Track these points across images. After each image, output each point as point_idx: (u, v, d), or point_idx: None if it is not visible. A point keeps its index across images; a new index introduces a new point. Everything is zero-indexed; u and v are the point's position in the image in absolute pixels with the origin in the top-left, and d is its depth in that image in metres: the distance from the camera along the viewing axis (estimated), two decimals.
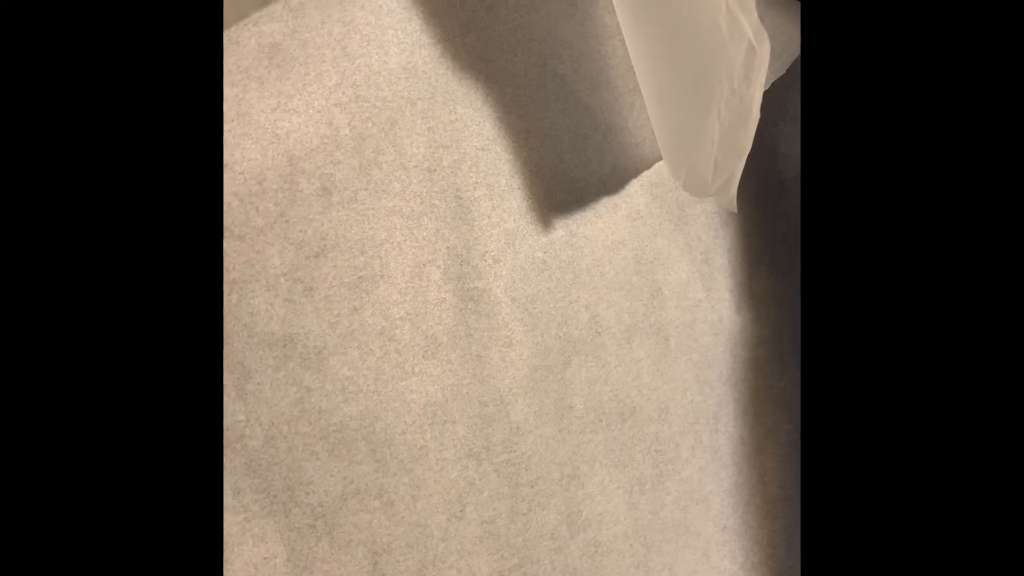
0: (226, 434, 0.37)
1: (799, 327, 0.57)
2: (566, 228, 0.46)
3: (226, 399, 0.37)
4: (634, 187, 0.49)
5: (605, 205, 0.48)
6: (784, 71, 0.51)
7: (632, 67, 0.48)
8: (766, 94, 0.40)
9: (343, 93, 0.40)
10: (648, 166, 0.50)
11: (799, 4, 0.52)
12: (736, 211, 0.42)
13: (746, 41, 0.36)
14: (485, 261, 0.43)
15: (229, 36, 0.36)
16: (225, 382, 0.37)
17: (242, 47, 0.37)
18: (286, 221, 0.38)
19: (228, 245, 0.37)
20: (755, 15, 0.35)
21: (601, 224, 0.48)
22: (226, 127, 0.37)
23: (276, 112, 0.38)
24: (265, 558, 0.37)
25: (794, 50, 0.51)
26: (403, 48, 0.41)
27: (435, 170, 0.42)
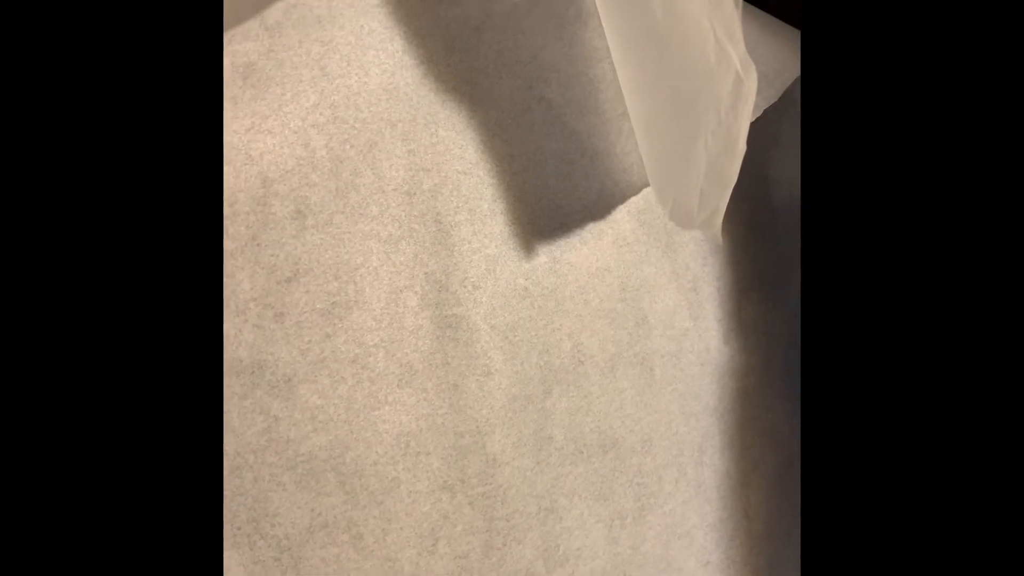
0: None
1: (788, 356, 0.56)
2: (549, 254, 0.45)
3: None
4: (621, 213, 0.48)
5: (591, 231, 0.47)
6: (777, 98, 0.50)
7: (621, 91, 0.48)
8: (758, 120, 0.40)
9: (321, 114, 0.39)
10: (636, 192, 0.49)
11: (793, 30, 0.52)
12: (722, 243, 0.41)
13: (733, 72, 0.35)
14: (465, 287, 0.42)
15: None
16: None
17: None
18: (257, 244, 0.37)
19: None
20: (743, 46, 0.35)
21: (586, 251, 0.47)
22: None
23: (250, 133, 0.37)
24: None
25: (787, 76, 0.50)
26: (384, 69, 0.40)
27: (415, 194, 0.41)
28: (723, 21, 0.34)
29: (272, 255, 0.37)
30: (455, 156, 0.42)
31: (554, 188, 0.46)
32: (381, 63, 0.40)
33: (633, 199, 0.49)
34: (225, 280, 0.36)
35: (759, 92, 0.36)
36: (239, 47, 0.36)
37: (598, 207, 0.48)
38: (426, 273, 0.42)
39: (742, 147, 0.36)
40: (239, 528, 0.36)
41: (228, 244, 0.36)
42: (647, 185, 0.49)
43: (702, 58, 0.37)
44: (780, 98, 0.50)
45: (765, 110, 0.49)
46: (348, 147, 0.39)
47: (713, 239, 0.40)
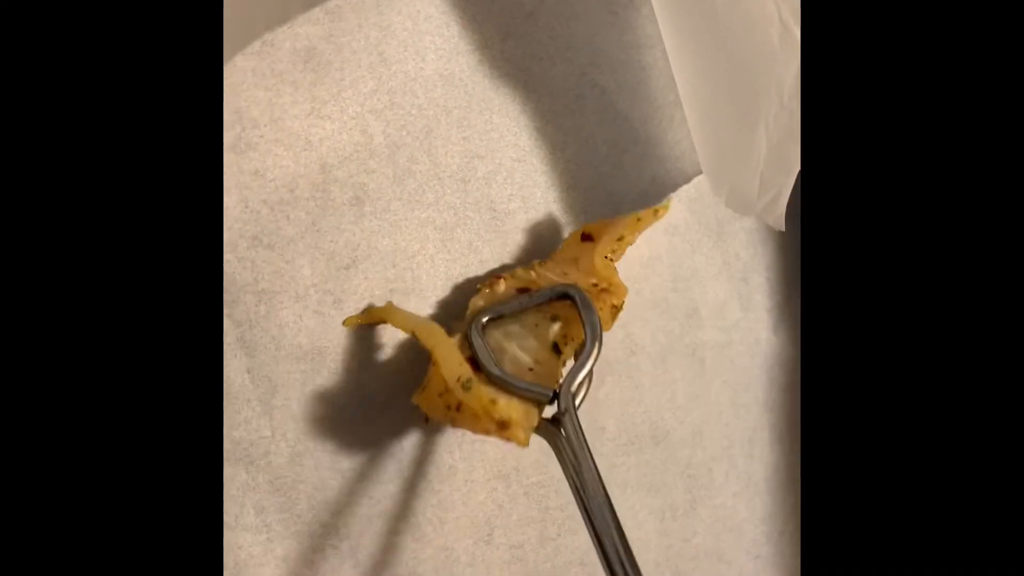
0: (250, 450, 0.35)
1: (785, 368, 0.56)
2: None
3: (251, 414, 0.35)
4: (672, 201, 0.48)
5: None
6: None
7: (673, 79, 0.47)
8: None
9: (378, 100, 0.38)
10: (687, 180, 0.48)
11: None
12: (784, 229, 0.40)
13: (799, 54, 0.34)
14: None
15: (264, 39, 0.35)
16: (251, 396, 0.35)
17: (277, 50, 0.36)
18: (317, 231, 0.37)
19: (257, 255, 0.36)
20: None
21: (638, 239, 0.46)
22: (258, 132, 0.36)
23: (310, 118, 0.37)
24: None
25: None
26: (440, 54, 0.40)
27: (469, 180, 0.41)
28: (790, 3, 0.34)
29: (332, 241, 0.37)
30: (509, 143, 0.42)
31: (606, 175, 0.45)
32: (437, 48, 0.40)
33: (684, 188, 0.48)
34: (286, 267, 0.36)
35: None
36: (300, 30, 0.36)
37: (650, 195, 0.47)
38: (481, 260, 0.41)
39: None
40: (299, 516, 0.36)
41: (289, 230, 0.36)
42: (699, 173, 0.48)
43: (765, 41, 0.37)
44: None
45: None
46: (405, 133, 0.39)
47: (776, 224, 0.40)
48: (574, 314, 0.38)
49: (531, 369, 0.37)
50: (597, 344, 0.38)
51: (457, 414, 0.35)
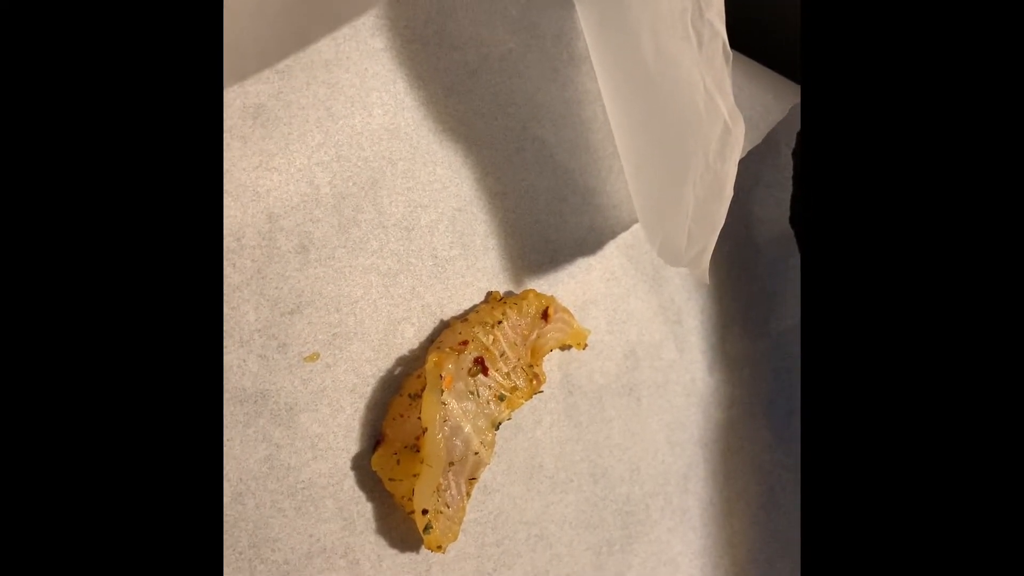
0: None
1: (771, 388, 0.58)
2: (539, 287, 0.47)
3: None
4: (610, 248, 0.50)
5: (579, 266, 0.49)
6: (761, 140, 0.53)
7: (611, 132, 0.49)
8: (742, 161, 0.41)
9: (325, 152, 0.40)
10: (625, 228, 0.51)
11: (776, 76, 0.54)
12: (708, 282, 0.43)
13: (722, 121, 0.37)
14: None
15: None
16: None
17: (228, 107, 0.37)
18: (263, 278, 0.38)
19: None
20: (731, 99, 0.36)
21: (574, 284, 0.49)
22: None
23: (258, 170, 0.38)
24: None
25: (771, 119, 0.53)
26: (387, 109, 0.42)
27: (413, 229, 0.43)
28: (713, 75, 0.36)
29: (276, 288, 0.39)
30: (451, 193, 0.44)
31: (545, 224, 0.48)
32: (384, 104, 0.42)
33: (622, 235, 0.51)
34: (231, 312, 0.38)
35: (745, 135, 0.38)
36: (251, 88, 0.38)
37: (587, 242, 0.49)
38: (423, 305, 0.43)
39: (729, 192, 0.38)
40: (240, 553, 0.37)
41: (235, 277, 0.38)
42: (635, 221, 0.51)
43: (691, 105, 0.39)
44: (763, 140, 0.53)
45: (748, 151, 0.52)
46: (351, 184, 0.41)
47: (700, 277, 0.42)
48: (518, 398, 0.43)
49: (476, 453, 0.40)
50: None
51: (401, 493, 0.40)
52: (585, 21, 0.49)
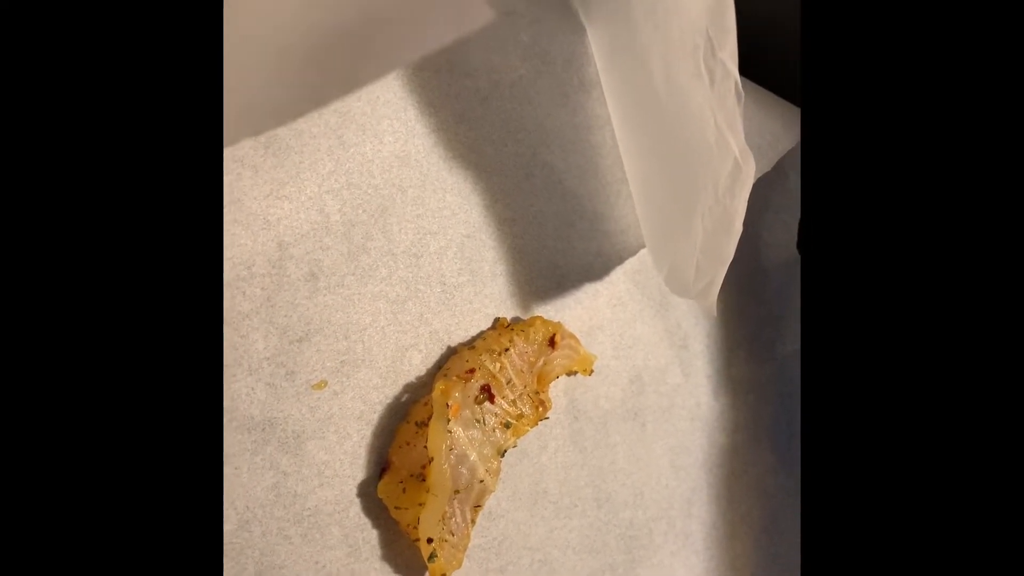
0: None
1: (775, 412, 0.58)
2: (545, 313, 0.47)
3: None
4: (617, 274, 0.50)
5: (586, 291, 0.49)
6: (770, 168, 0.53)
7: (620, 157, 0.50)
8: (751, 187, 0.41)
9: (336, 180, 0.40)
10: (632, 254, 0.51)
11: (785, 103, 0.54)
12: (715, 315, 0.43)
13: (732, 158, 0.37)
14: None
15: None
16: None
17: (239, 137, 0.37)
18: (272, 306, 0.39)
19: None
20: (742, 137, 0.37)
21: (580, 310, 0.49)
22: None
23: (268, 199, 0.38)
24: None
25: (780, 148, 0.53)
26: (397, 136, 0.42)
27: (422, 256, 0.43)
28: (725, 113, 0.36)
29: (286, 316, 0.39)
30: (460, 220, 0.44)
31: (552, 249, 0.48)
32: (394, 131, 0.42)
33: (629, 260, 0.51)
34: (240, 340, 0.38)
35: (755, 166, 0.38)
36: None
37: (595, 268, 0.49)
38: (430, 332, 0.43)
39: (738, 228, 0.38)
40: None
41: (244, 305, 0.38)
42: (642, 247, 0.51)
43: (701, 138, 0.39)
44: (773, 167, 0.53)
45: (757, 178, 0.52)
46: (360, 212, 0.41)
47: (708, 310, 0.42)
48: (524, 425, 0.43)
49: (481, 481, 0.41)
50: None
51: (406, 521, 0.40)
52: (596, 47, 0.49)
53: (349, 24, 0.22)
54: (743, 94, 0.36)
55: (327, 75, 0.23)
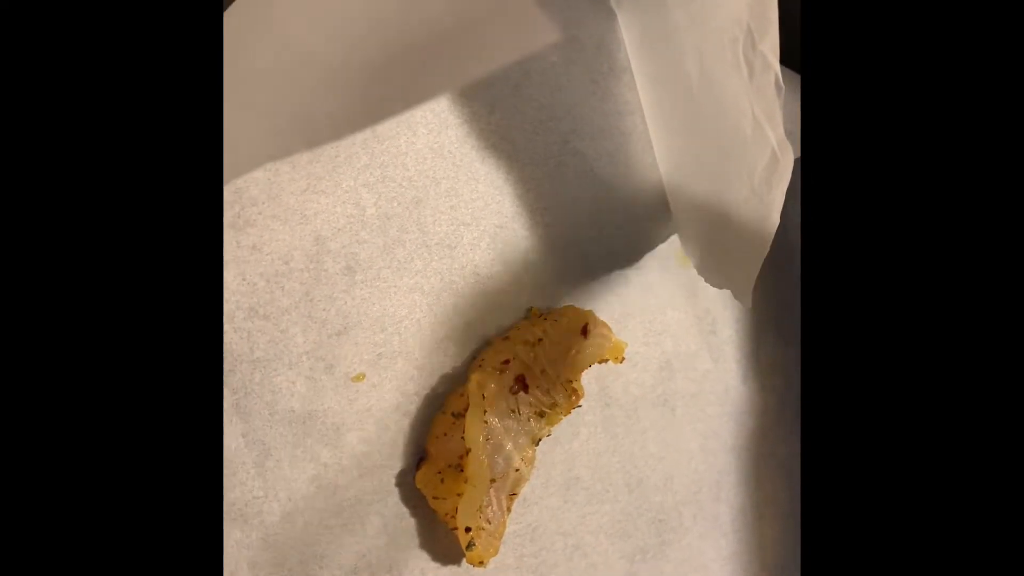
0: (245, 510, 0.37)
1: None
2: (576, 302, 0.47)
3: (245, 476, 0.37)
4: (647, 260, 0.50)
5: (616, 279, 0.49)
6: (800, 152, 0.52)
7: (651, 143, 0.49)
8: None
9: (371, 174, 0.40)
10: (663, 240, 0.51)
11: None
12: (751, 306, 0.43)
13: (769, 150, 0.37)
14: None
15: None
16: (245, 459, 0.37)
17: None
18: (310, 300, 0.39)
19: (253, 325, 0.38)
20: (781, 129, 0.36)
21: (611, 298, 0.49)
22: (256, 209, 0.38)
23: (306, 194, 0.39)
24: None
25: None
26: (430, 128, 0.42)
27: (456, 247, 0.43)
28: (763, 105, 0.36)
29: (324, 310, 0.39)
30: (493, 210, 0.44)
31: (583, 238, 0.48)
32: (428, 123, 0.42)
33: (660, 247, 0.51)
34: (280, 335, 0.38)
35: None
36: None
37: (625, 255, 0.49)
38: (465, 323, 0.43)
39: (775, 220, 0.38)
40: (291, 571, 0.38)
41: (284, 300, 0.38)
42: (672, 233, 0.51)
43: (736, 128, 0.39)
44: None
45: None
46: (395, 204, 0.41)
47: (743, 302, 0.42)
48: (558, 414, 0.43)
49: (517, 470, 0.41)
50: None
51: (444, 511, 0.41)
52: (627, 32, 0.48)
53: (413, 40, 0.22)
54: (783, 87, 0.35)
55: (387, 90, 0.23)
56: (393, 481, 0.41)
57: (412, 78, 0.22)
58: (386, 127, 0.41)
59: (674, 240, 0.51)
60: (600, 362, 0.47)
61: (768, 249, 0.39)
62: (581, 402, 0.45)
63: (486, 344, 0.44)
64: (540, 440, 0.43)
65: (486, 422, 0.40)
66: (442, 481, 0.40)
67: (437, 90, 0.27)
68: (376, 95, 0.23)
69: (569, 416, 0.46)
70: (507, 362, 0.42)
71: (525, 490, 0.45)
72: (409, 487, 0.41)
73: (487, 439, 0.40)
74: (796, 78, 0.52)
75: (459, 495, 0.40)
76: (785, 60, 0.51)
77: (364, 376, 0.40)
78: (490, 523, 0.41)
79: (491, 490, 0.41)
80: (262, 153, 0.25)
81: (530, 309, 0.45)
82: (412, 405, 0.42)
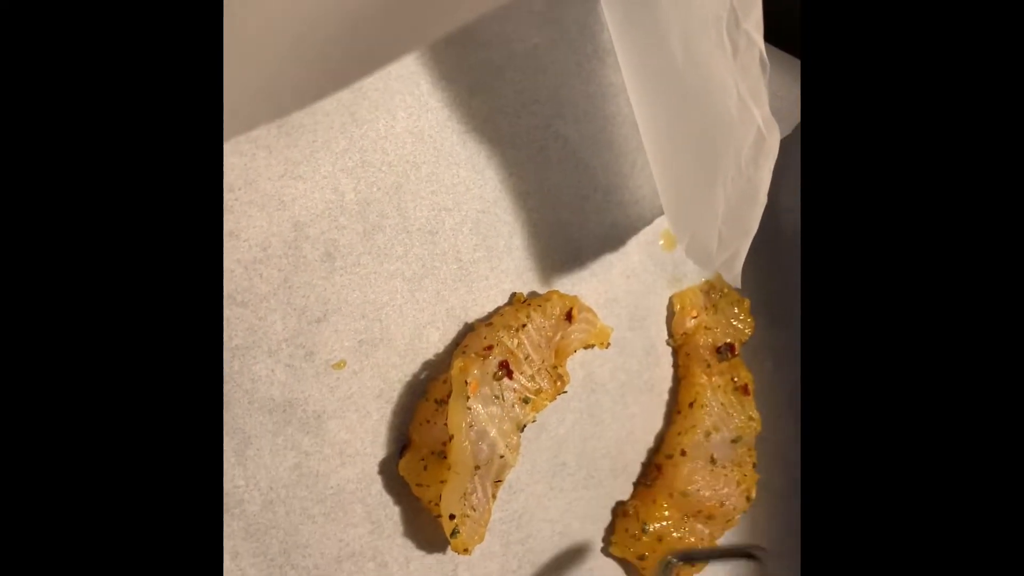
0: (225, 499, 0.37)
1: (793, 379, 0.58)
2: (561, 287, 0.47)
3: (226, 465, 0.37)
4: (631, 245, 0.50)
5: (601, 264, 0.49)
6: (790, 131, 0.52)
7: (636, 126, 0.49)
8: None
9: (350, 158, 0.40)
10: (647, 223, 0.50)
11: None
12: (740, 286, 0.42)
13: (756, 127, 0.36)
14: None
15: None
16: (225, 448, 0.37)
17: None
18: (289, 287, 0.38)
19: (231, 312, 0.37)
20: (767, 107, 0.36)
21: (595, 283, 0.48)
22: (233, 195, 0.37)
23: (283, 179, 0.38)
24: None
25: (800, 112, 0.52)
26: (410, 112, 0.42)
27: (437, 232, 0.43)
28: (748, 83, 0.35)
29: (303, 296, 0.39)
30: (475, 195, 0.44)
31: (567, 222, 0.47)
32: (407, 107, 0.41)
33: (643, 231, 0.50)
34: (258, 322, 0.38)
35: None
36: None
37: (609, 240, 0.49)
38: (447, 309, 0.43)
39: (763, 199, 0.37)
40: (272, 560, 0.38)
41: (262, 287, 0.38)
42: (657, 216, 0.50)
43: (722, 107, 0.39)
44: (793, 130, 0.52)
45: None
46: (375, 189, 0.41)
47: (733, 281, 0.42)
48: (543, 400, 0.43)
49: (501, 456, 0.40)
50: None
51: (428, 498, 0.40)
52: (610, 13, 0.48)
53: (371, 5, 0.22)
54: (768, 64, 0.35)
55: (347, 55, 0.22)
56: (376, 469, 0.41)
57: (373, 42, 0.22)
58: (365, 111, 0.40)
59: (659, 224, 0.50)
60: (585, 347, 0.47)
61: (756, 227, 0.39)
62: (566, 388, 0.45)
63: (469, 330, 0.43)
64: (525, 426, 0.43)
65: (469, 408, 0.40)
66: (425, 468, 0.40)
67: (399, 53, 0.26)
68: (338, 60, 0.23)
69: (555, 402, 0.46)
70: (490, 348, 0.41)
71: (511, 477, 0.45)
72: (392, 475, 0.41)
73: (470, 425, 0.40)
74: (781, 56, 0.52)
75: (443, 482, 0.40)
76: (770, 38, 0.51)
77: (345, 363, 0.40)
78: (475, 510, 0.41)
79: (476, 477, 0.41)
80: (228, 128, 0.24)
81: (513, 295, 0.45)
82: (394, 392, 0.41)
